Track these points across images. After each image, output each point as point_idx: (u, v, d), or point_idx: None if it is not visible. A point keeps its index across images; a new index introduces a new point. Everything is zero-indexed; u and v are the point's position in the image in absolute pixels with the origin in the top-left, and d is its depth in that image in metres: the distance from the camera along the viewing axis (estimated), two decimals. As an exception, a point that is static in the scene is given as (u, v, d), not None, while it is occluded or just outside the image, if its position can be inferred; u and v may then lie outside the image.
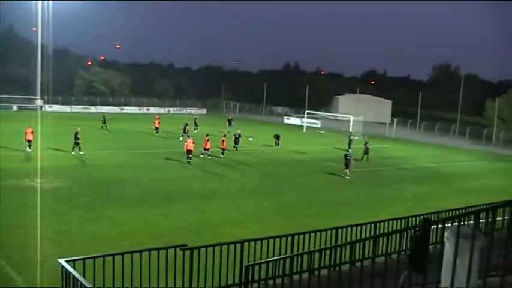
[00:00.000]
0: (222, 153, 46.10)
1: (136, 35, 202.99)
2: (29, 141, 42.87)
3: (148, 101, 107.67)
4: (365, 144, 52.16)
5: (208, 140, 45.99)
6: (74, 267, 9.89)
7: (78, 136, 43.39)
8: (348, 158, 41.07)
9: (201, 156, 45.47)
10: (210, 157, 45.30)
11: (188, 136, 49.92)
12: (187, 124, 59.13)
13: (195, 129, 63.68)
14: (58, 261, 10.12)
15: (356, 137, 70.15)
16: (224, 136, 46.65)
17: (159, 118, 65.37)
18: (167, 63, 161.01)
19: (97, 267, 10.55)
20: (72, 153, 43.08)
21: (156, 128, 63.29)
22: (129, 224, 23.99)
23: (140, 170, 38.10)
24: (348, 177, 40.27)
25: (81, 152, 43.19)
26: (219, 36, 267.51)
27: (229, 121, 69.88)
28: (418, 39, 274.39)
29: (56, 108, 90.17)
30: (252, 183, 36.17)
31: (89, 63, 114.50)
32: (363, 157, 50.11)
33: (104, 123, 64.90)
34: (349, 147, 51.62)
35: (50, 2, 57.84)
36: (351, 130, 62.98)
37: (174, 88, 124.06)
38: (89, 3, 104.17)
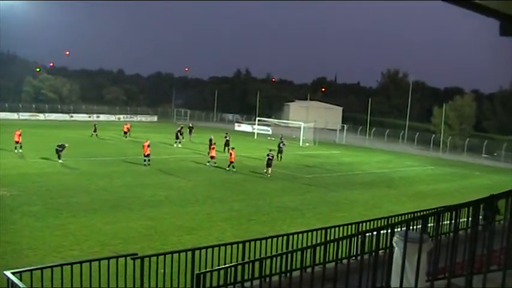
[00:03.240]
0: (232, 167, 44.61)
1: (85, 41, 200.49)
2: (17, 142, 46.86)
3: (98, 108, 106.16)
4: (279, 144, 55.86)
5: (214, 148, 47.43)
6: (20, 279, 9.67)
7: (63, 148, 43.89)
8: (270, 158, 44.07)
9: (207, 164, 46.27)
10: (215, 165, 45.30)
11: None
12: (179, 131, 62.01)
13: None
14: (4, 273, 9.88)
15: (307, 144, 71.10)
16: (233, 149, 46.05)
17: (129, 125, 68.60)
18: (117, 69, 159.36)
19: (45, 278, 10.35)
20: (59, 161, 42.93)
21: (125, 133, 65.53)
22: (79, 232, 23.58)
23: (92, 177, 37.54)
24: (268, 175, 43.08)
25: (60, 161, 43.02)
26: (169, 43, 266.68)
27: (190, 129, 70.42)
28: (367, 46, 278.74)
29: (3, 115, 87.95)
30: (203, 189, 35.97)
31: (38, 69, 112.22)
32: (277, 156, 52.24)
33: (95, 131, 65.07)
34: (279, 149, 54.40)
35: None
36: (281, 134, 65.67)
37: (124, 95, 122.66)
38: (37, 8, 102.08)
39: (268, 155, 44.58)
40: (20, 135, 47.38)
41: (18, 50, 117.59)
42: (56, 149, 43.31)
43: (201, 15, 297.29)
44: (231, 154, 44.94)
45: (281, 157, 53.43)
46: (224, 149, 55.68)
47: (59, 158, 43.01)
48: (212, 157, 46.71)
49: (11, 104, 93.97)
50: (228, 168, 44.38)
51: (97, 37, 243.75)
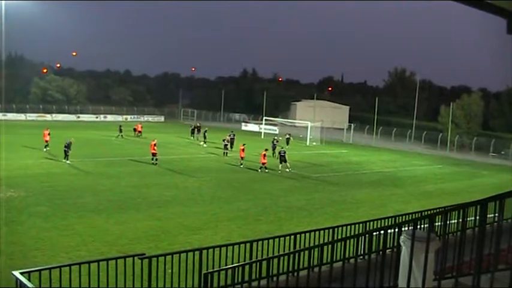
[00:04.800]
0: (265, 168, 45.06)
1: (92, 42, 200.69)
2: (46, 141, 49.58)
3: (105, 109, 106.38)
4: (273, 141, 58.48)
5: (243, 149, 47.32)
6: (29, 279, 9.70)
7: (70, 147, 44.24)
8: (282, 154, 46.12)
9: (259, 170, 45.43)
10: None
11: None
12: (206, 131, 65.40)
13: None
14: (12, 273, 9.91)
15: (314, 143, 71.15)
16: (266, 150, 46.55)
17: (141, 125, 73.49)
18: (124, 70, 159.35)
19: (53, 278, 10.37)
20: (67, 161, 43.19)
21: (139, 132, 69.94)
22: (86, 233, 23.61)
23: (100, 178, 37.59)
24: (287, 170, 44.99)
25: (68, 161, 43.28)
26: (175, 43, 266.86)
27: (198, 128, 71.65)
28: (374, 46, 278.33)
29: (11, 116, 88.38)
30: (209, 189, 35.99)
31: (45, 70, 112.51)
32: (272, 153, 53.75)
33: (121, 132, 66.80)
34: (273, 146, 56.51)
35: (3, 7, 56.75)
36: (287, 134, 68.98)
37: (131, 95, 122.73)
38: (45, 10, 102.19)
39: (280, 152, 46.62)
40: (48, 134, 50.38)
41: (25, 52, 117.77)
42: (64, 150, 43.46)
43: (207, 15, 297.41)
44: (264, 155, 45.17)
45: (274, 153, 54.64)
46: (230, 146, 57.28)
47: (67, 159, 43.14)
48: (242, 157, 47.17)
49: (19, 105, 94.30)
50: (260, 170, 44.77)
51: (104, 38, 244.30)
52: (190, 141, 66.50)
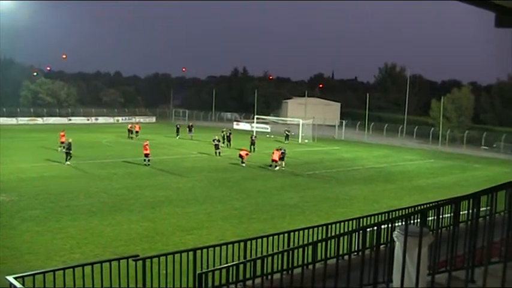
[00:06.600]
0: (275, 166, 45.84)
1: (81, 44, 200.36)
2: (62, 142, 50.07)
3: (96, 111, 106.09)
4: (251, 137, 60.46)
5: (244, 150, 48.26)
6: (23, 284, 9.65)
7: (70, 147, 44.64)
8: (283, 152, 46.98)
9: (243, 165, 46.73)
10: (277, 168, 45.70)
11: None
12: (223, 132, 65.01)
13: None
14: (6, 278, 9.85)
15: (306, 140, 71.22)
16: (276, 150, 47.24)
17: (139, 124, 75.95)
18: (114, 71, 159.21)
19: (47, 282, 10.33)
20: (67, 163, 43.67)
21: (136, 132, 70.04)
22: (80, 236, 23.54)
23: (93, 180, 37.50)
24: (283, 168, 45.81)
25: (68, 163, 43.79)
26: (165, 44, 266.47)
27: (190, 127, 72.90)
28: (364, 42, 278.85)
29: (1, 120, 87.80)
30: (202, 189, 35.98)
31: (35, 73, 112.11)
32: (250, 148, 56.21)
33: (131, 133, 68.44)
34: (251, 142, 58.99)
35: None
36: (286, 129, 73.18)
37: (121, 97, 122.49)
38: (33, 12, 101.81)
39: (281, 149, 47.20)
40: (64, 135, 51.72)
41: (14, 55, 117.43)
42: (66, 152, 43.97)
43: (197, 16, 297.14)
44: (273, 153, 46.11)
45: (254, 149, 56.80)
46: (228, 144, 60.12)
47: (68, 160, 43.91)
48: (243, 155, 47.82)
49: (9, 108, 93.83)
50: (275, 168, 45.43)
51: (93, 40, 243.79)
52: (181, 141, 66.55)
